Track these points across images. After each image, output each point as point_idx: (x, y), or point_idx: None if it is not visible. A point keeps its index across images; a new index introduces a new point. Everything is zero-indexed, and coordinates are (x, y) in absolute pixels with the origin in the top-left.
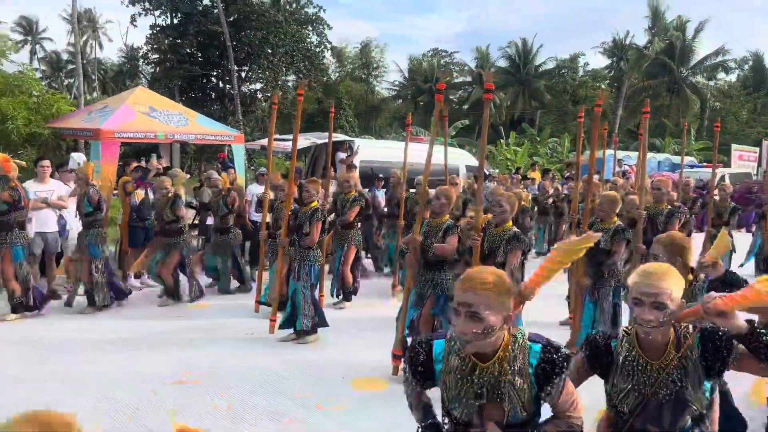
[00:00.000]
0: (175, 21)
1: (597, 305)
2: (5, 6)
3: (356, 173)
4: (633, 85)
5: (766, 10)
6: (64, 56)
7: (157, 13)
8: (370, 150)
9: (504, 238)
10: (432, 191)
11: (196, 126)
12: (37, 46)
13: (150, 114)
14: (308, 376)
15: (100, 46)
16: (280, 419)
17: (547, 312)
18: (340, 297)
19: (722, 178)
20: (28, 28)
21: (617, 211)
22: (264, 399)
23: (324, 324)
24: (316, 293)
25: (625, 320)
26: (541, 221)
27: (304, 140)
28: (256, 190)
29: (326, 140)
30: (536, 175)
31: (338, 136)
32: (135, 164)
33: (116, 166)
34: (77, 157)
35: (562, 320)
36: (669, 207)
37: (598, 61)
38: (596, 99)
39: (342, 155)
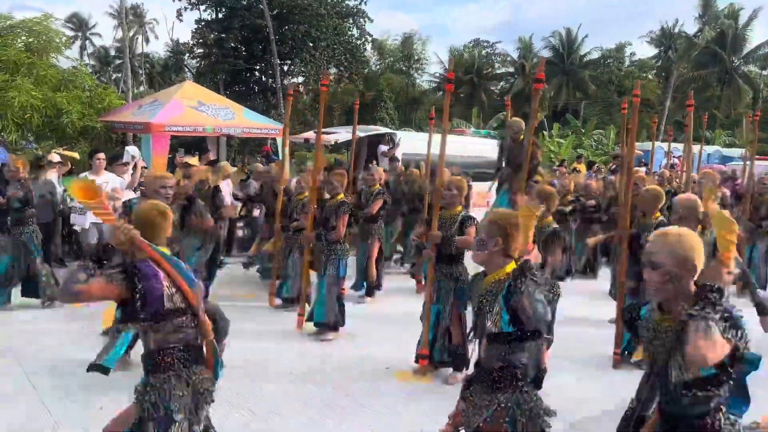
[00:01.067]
0: (220, 15)
1: None
2: (58, 4)
3: (399, 166)
4: (682, 75)
5: None
6: (112, 51)
7: (202, 7)
8: (412, 142)
9: (456, 222)
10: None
11: (243, 120)
12: (87, 41)
13: (198, 108)
14: (347, 369)
15: (147, 41)
16: (329, 409)
17: (594, 309)
18: (363, 291)
19: None
20: (79, 24)
21: (660, 206)
22: (310, 390)
23: (342, 323)
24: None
25: None
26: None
27: (346, 133)
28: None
29: (369, 133)
30: (582, 167)
31: (380, 129)
32: (182, 157)
33: (166, 158)
34: (131, 150)
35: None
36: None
37: (645, 51)
38: (643, 89)
39: (384, 148)
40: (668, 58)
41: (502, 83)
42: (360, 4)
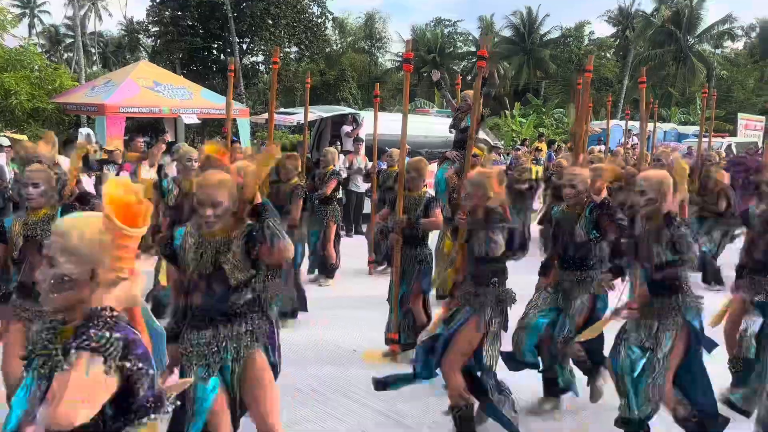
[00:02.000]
0: None
1: None
2: None
3: (362, 147)
4: (639, 54)
5: None
6: (62, 30)
7: None
8: (384, 122)
9: (421, 204)
10: None
11: (201, 100)
12: (35, 19)
13: (154, 88)
14: (314, 355)
15: (100, 19)
16: (303, 394)
17: None
18: (316, 273)
19: (729, 147)
20: (26, 1)
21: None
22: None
23: (304, 308)
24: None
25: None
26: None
27: (310, 114)
28: None
29: (333, 113)
30: (543, 146)
31: (343, 109)
32: (141, 140)
33: (122, 140)
34: (85, 132)
35: None
36: None
37: (604, 30)
38: (602, 69)
39: (347, 128)
40: (626, 37)
41: (464, 62)
42: None
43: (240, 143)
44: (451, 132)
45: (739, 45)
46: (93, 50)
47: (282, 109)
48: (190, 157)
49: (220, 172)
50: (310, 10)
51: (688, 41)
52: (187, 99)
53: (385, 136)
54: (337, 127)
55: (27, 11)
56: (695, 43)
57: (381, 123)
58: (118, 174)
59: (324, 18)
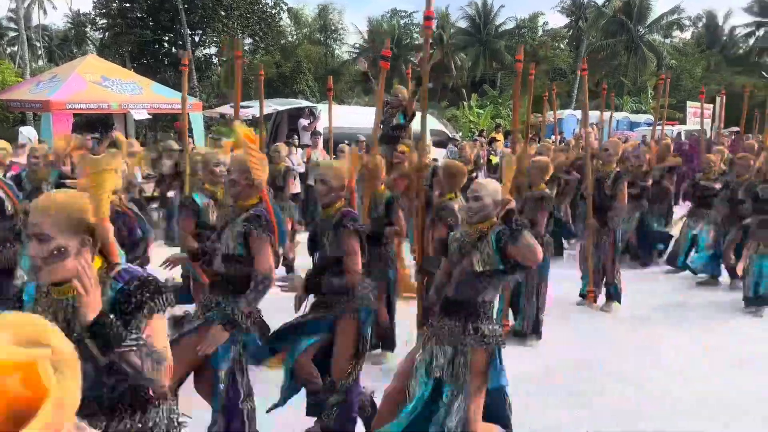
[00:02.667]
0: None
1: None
2: None
3: (320, 140)
4: (592, 44)
5: None
6: (5, 23)
7: None
8: (333, 115)
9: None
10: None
11: (151, 94)
12: None
13: (102, 83)
14: None
15: (44, 12)
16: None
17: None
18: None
19: (678, 134)
20: None
21: (546, 178)
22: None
23: None
24: None
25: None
26: None
27: (265, 107)
28: None
29: (289, 107)
30: (500, 136)
31: (300, 102)
32: (89, 137)
33: (70, 137)
34: (26, 132)
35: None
36: (617, 170)
37: (558, 21)
38: (556, 60)
39: (304, 122)
40: (579, 28)
41: (421, 53)
42: None
43: (194, 139)
44: (380, 127)
45: (687, 35)
46: (38, 44)
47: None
48: (217, 161)
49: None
50: (263, 1)
51: (638, 31)
52: (137, 94)
53: (343, 129)
54: (294, 121)
55: None
56: (645, 33)
57: (339, 116)
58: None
59: (278, 9)
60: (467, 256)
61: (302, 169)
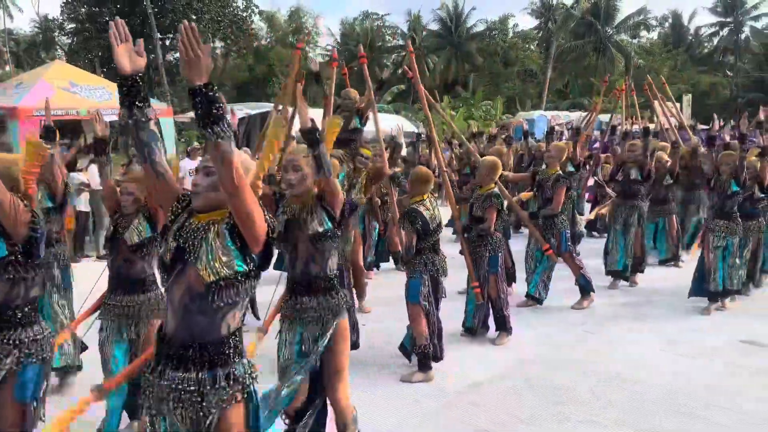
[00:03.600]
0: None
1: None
2: None
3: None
4: (561, 45)
5: None
6: None
7: None
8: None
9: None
10: None
11: (114, 101)
12: None
13: (70, 89)
14: None
15: (10, 17)
16: None
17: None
18: None
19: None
20: None
21: (495, 177)
22: None
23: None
24: None
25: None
26: None
27: (237, 111)
28: (188, 165)
29: (261, 110)
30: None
31: (271, 106)
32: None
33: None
34: None
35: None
36: (558, 172)
37: (527, 23)
38: (526, 60)
39: None
40: (548, 29)
41: (394, 56)
42: None
43: (164, 144)
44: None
45: (654, 35)
46: (5, 49)
47: None
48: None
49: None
50: (234, 4)
51: (606, 32)
52: (106, 99)
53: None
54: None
55: None
56: (613, 34)
57: (315, 118)
58: None
59: (249, 12)
60: (304, 227)
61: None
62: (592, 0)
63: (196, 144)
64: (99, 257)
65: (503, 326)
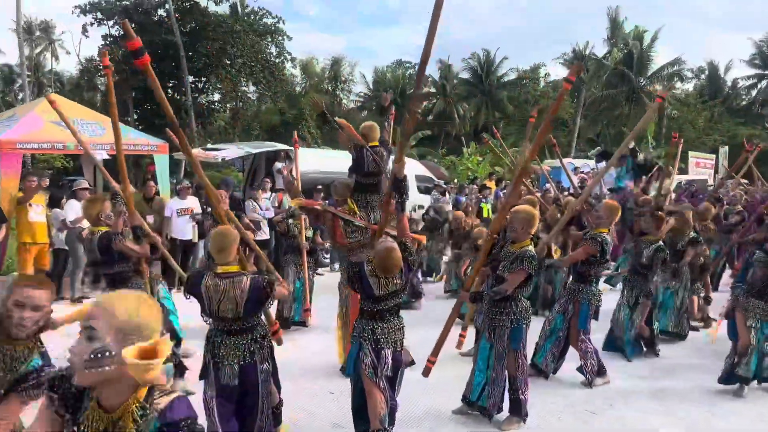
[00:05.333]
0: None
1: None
2: None
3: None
4: (592, 95)
5: (720, 21)
6: (18, 70)
7: (110, 23)
8: (311, 159)
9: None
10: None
11: (113, 135)
12: None
13: (60, 123)
14: None
15: (56, 58)
16: None
17: None
18: None
19: (679, 184)
20: None
21: (532, 231)
22: None
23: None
24: None
25: None
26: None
27: (237, 149)
28: (175, 205)
29: (263, 149)
30: (491, 184)
31: (275, 145)
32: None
33: (18, 179)
34: None
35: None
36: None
37: (560, 72)
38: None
39: (279, 165)
40: (580, 79)
41: (425, 103)
42: (277, 22)
43: (156, 183)
44: (351, 176)
45: (689, 86)
46: (50, 89)
47: (209, 146)
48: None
49: None
50: (267, 50)
51: (639, 82)
52: (98, 135)
53: (319, 174)
54: (272, 164)
55: None
56: (646, 84)
57: (315, 159)
58: None
59: (282, 58)
60: None
61: (271, 214)
62: (625, 50)
63: (186, 183)
64: (74, 300)
65: (518, 411)
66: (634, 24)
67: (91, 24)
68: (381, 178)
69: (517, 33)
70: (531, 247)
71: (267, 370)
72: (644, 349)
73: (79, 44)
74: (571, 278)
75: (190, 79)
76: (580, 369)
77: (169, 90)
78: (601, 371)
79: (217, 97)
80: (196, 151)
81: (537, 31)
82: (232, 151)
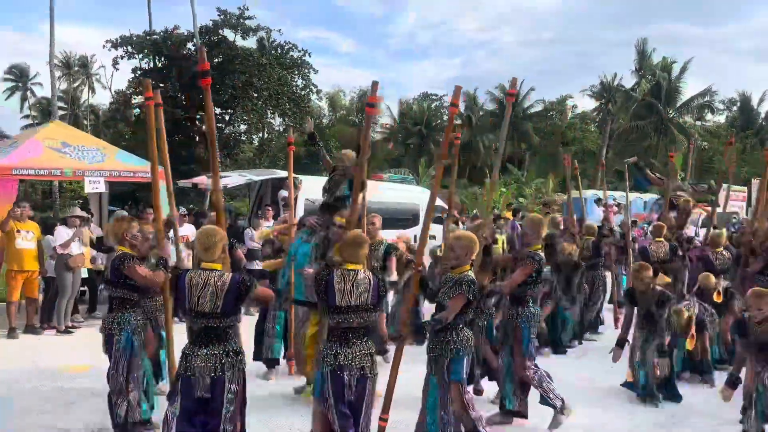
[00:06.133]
0: (159, 64)
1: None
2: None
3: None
4: (620, 126)
5: (752, 52)
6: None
7: (140, 56)
8: (318, 186)
9: None
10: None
11: (113, 162)
12: (28, 92)
13: (61, 149)
14: None
15: (93, 91)
16: None
17: None
18: None
19: (733, 219)
20: (19, 75)
21: (471, 257)
22: None
23: None
24: None
25: None
26: None
27: (239, 177)
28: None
29: (267, 177)
30: (508, 215)
31: (278, 173)
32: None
33: (11, 206)
34: None
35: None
36: None
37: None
38: (584, 140)
39: (284, 193)
40: (608, 110)
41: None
42: (303, 55)
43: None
44: (323, 196)
45: (721, 118)
46: (86, 122)
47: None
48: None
49: None
50: (294, 83)
51: (668, 113)
52: (97, 161)
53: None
54: (277, 192)
55: (20, 84)
56: (675, 116)
57: (317, 188)
58: None
59: (308, 90)
60: None
61: (254, 245)
62: (653, 81)
63: (183, 209)
64: (60, 331)
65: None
66: (662, 55)
67: (122, 57)
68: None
69: (543, 64)
70: (471, 273)
71: (235, 392)
72: None
73: (111, 78)
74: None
75: (217, 111)
76: (543, 401)
77: (197, 122)
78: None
79: (243, 128)
80: (202, 179)
81: (563, 63)
82: (233, 178)
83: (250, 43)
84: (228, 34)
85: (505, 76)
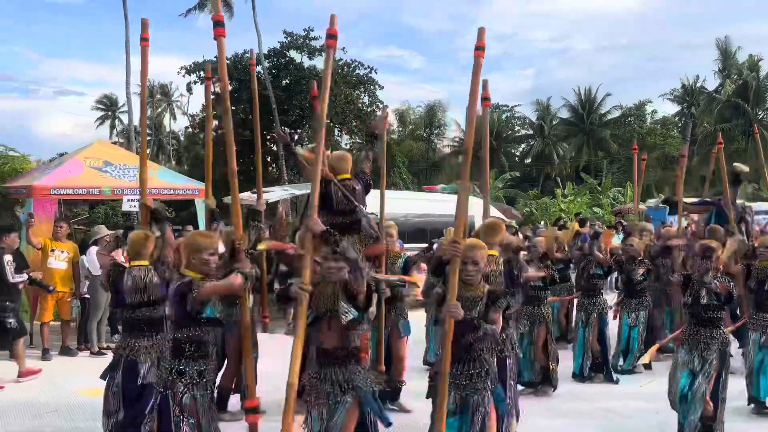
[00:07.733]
0: (230, 88)
1: None
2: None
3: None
4: (705, 130)
5: None
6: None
7: (213, 80)
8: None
9: None
10: None
11: (155, 180)
12: (116, 120)
13: (102, 168)
14: None
15: (174, 118)
16: None
17: None
18: None
19: None
20: (109, 104)
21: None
22: None
23: None
24: None
25: None
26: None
27: (282, 191)
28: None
29: (305, 191)
30: (576, 225)
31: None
32: (64, 224)
33: (51, 225)
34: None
35: None
36: None
37: (667, 108)
38: (666, 146)
39: None
40: (691, 114)
41: (522, 145)
42: (369, 72)
43: (197, 226)
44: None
45: None
46: (168, 147)
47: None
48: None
49: None
50: (360, 101)
51: (757, 114)
52: (136, 180)
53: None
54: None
55: (109, 113)
56: (765, 116)
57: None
58: None
59: (374, 107)
60: None
61: None
62: (740, 81)
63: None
64: (93, 353)
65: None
66: (749, 53)
67: (195, 83)
68: (357, 215)
69: (619, 70)
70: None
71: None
72: None
73: (187, 103)
74: None
75: (286, 130)
76: None
77: (267, 142)
78: None
79: (310, 146)
80: (246, 195)
81: (640, 68)
82: (276, 193)
83: (317, 62)
84: (295, 55)
85: (580, 84)
